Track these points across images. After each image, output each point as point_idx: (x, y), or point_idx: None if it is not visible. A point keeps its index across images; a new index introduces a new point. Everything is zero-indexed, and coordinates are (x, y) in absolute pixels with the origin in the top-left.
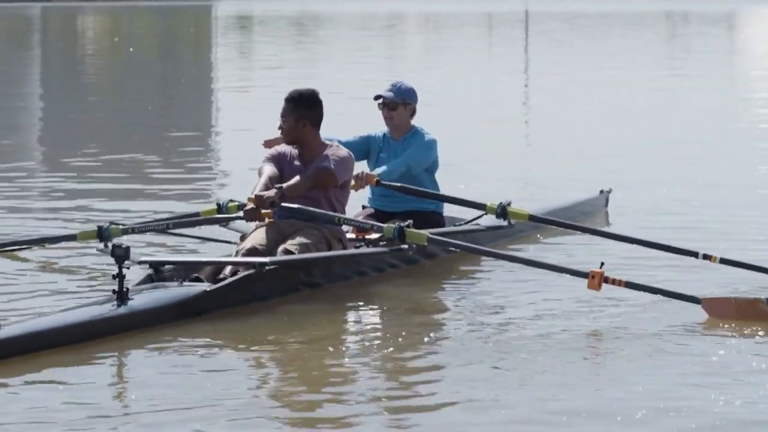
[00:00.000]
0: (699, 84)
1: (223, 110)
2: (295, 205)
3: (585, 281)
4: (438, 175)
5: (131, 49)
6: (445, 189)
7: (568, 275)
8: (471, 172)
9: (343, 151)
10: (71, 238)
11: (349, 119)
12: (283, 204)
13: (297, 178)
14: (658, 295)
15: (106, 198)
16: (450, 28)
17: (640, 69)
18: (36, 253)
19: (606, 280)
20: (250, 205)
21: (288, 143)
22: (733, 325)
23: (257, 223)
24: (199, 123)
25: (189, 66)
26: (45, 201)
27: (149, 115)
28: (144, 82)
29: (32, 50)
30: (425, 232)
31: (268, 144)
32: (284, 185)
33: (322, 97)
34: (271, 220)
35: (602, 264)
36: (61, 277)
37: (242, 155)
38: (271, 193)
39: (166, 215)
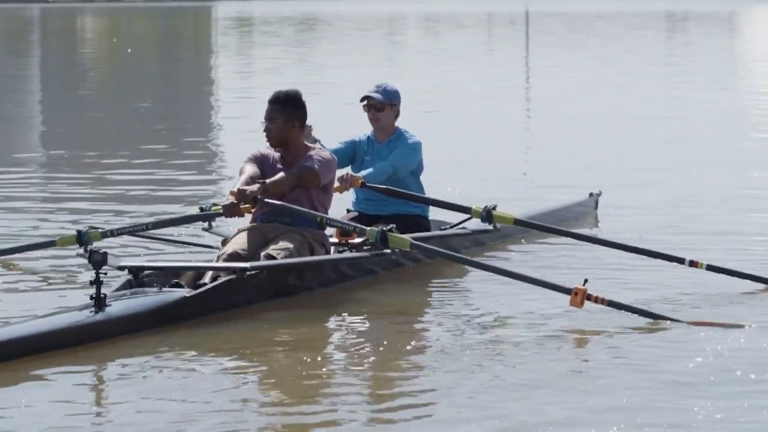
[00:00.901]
0: (698, 85)
1: (221, 112)
2: (278, 202)
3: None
4: (431, 176)
5: (129, 50)
6: (435, 190)
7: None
8: (464, 173)
9: (327, 153)
10: (50, 244)
11: (353, 121)
12: (266, 200)
13: (281, 174)
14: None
15: (99, 201)
16: (450, 28)
17: (640, 70)
18: (14, 260)
19: (589, 297)
20: (231, 200)
21: (275, 146)
22: (713, 335)
23: (239, 227)
24: (197, 125)
25: (188, 67)
26: (36, 204)
27: (146, 117)
28: (142, 83)
29: (31, 51)
30: (408, 237)
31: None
32: (267, 180)
33: (323, 98)
34: (251, 216)
35: (586, 281)
36: (40, 284)
37: (240, 158)
38: (254, 187)
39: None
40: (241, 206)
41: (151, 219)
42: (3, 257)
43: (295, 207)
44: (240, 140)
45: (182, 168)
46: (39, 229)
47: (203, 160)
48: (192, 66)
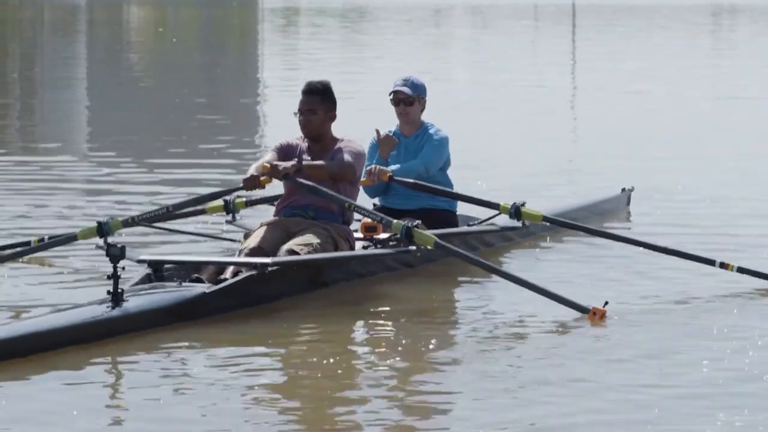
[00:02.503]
0: (742, 82)
1: (265, 104)
2: (309, 182)
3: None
4: (461, 171)
5: (174, 40)
6: (465, 184)
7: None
8: (499, 166)
9: (358, 145)
10: (71, 239)
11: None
12: (298, 179)
13: (320, 162)
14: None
15: (138, 190)
16: (496, 19)
17: (684, 65)
18: (36, 255)
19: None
20: (252, 173)
21: (312, 138)
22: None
23: (261, 221)
24: (242, 116)
25: (233, 57)
26: (77, 194)
27: (188, 108)
28: (186, 73)
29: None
30: (433, 235)
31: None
32: (304, 162)
33: (369, 92)
34: (274, 210)
35: (606, 303)
36: (60, 278)
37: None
38: (289, 164)
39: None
40: (261, 179)
41: (170, 205)
42: (22, 254)
43: (325, 190)
44: (281, 133)
45: (220, 159)
46: (69, 219)
47: (243, 150)
48: (237, 57)
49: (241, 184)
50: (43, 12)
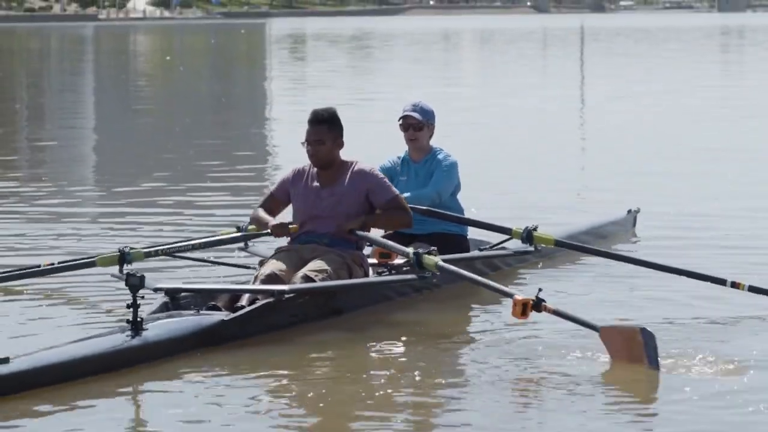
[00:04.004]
0: (752, 102)
1: (273, 130)
2: (371, 236)
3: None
4: (471, 193)
5: (181, 68)
6: (476, 206)
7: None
8: (509, 189)
9: (379, 172)
10: (89, 264)
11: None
12: (360, 233)
13: (383, 214)
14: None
15: (141, 223)
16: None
17: (692, 87)
18: (51, 280)
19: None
20: (279, 221)
21: (321, 167)
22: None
23: (276, 247)
24: (250, 143)
25: (241, 85)
26: (80, 221)
27: (198, 134)
28: (194, 101)
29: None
30: (435, 258)
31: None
32: (365, 219)
33: (378, 118)
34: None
35: (540, 290)
36: (77, 306)
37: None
38: (356, 223)
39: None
40: (291, 227)
41: (194, 241)
42: (40, 278)
43: (392, 243)
44: (290, 160)
45: (231, 188)
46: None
47: (253, 182)
48: (245, 84)
49: (269, 230)
50: (50, 41)
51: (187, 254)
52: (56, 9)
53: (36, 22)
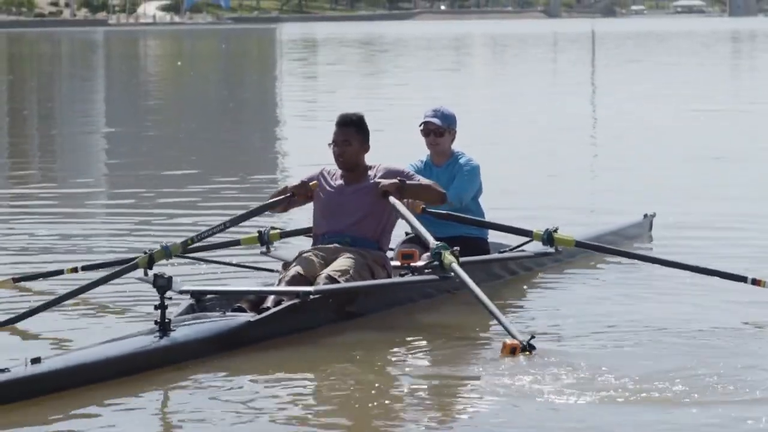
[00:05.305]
0: (765, 107)
1: (285, 136)
2: (404, 211)
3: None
4: (491, 195)
5: (192, 73)
6: (494, 208)
7: None
8: (524, 194)
9: (402, 167)
10: (132, 267)
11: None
12: (394, 200)
13: (425, 181)
14: None
15: (156, 225)
16: (515, 48)
17: (705, 91)
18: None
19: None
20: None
21: (347, 169)
22: None
23: (300, 250)
24: (261, 147)
25: (252, 90)
26: (96, 227)
27: (209, 140)
28: (205, 107)
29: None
30: (454, 260)
31: None
32: (407, 181)
33: (390, 122)
34: (312, 239)
35: (532, 337)
36: (103, 308)
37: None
38: (388, 182)
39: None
40: (311, 184)
41: (225, 219)
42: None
43: (417, 224)
44: (301, 165)
45: (243, 192)
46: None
47: (266, 185)
48: (256, 89)
49: (291, 193)
50: (61, 46)
51: (205, 256)
52: (66, 14)
53: (46, 27)
